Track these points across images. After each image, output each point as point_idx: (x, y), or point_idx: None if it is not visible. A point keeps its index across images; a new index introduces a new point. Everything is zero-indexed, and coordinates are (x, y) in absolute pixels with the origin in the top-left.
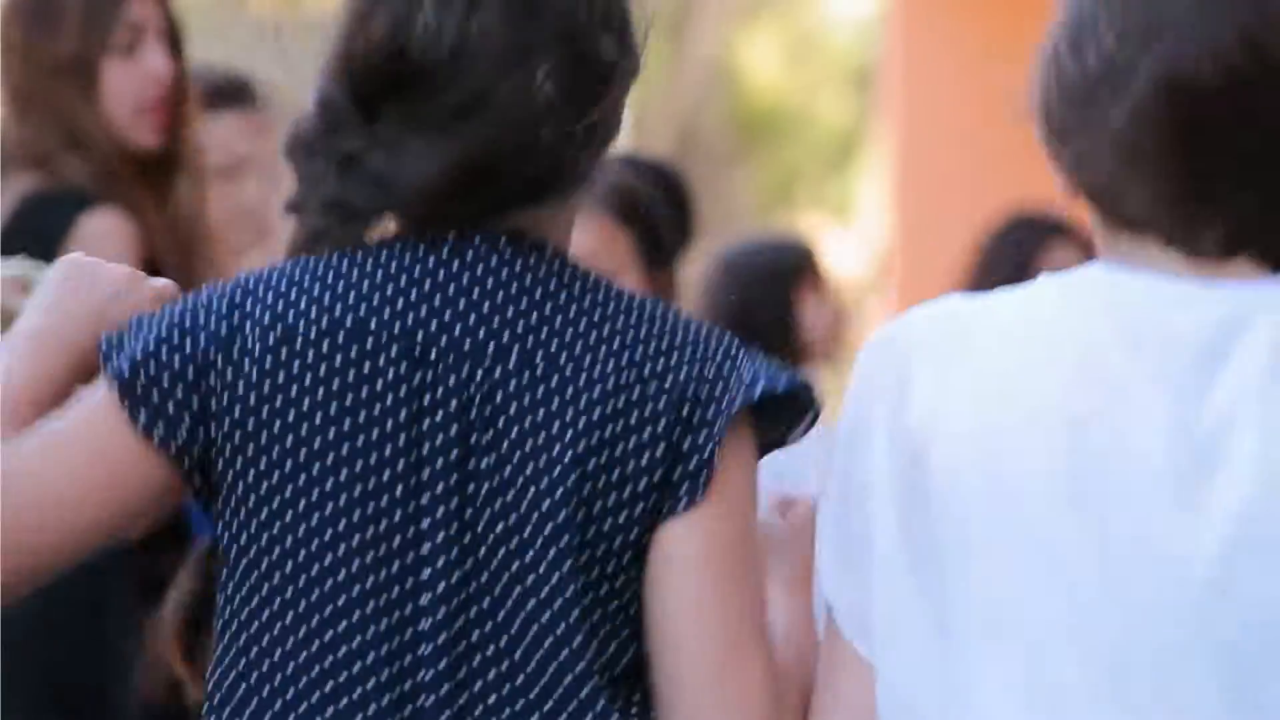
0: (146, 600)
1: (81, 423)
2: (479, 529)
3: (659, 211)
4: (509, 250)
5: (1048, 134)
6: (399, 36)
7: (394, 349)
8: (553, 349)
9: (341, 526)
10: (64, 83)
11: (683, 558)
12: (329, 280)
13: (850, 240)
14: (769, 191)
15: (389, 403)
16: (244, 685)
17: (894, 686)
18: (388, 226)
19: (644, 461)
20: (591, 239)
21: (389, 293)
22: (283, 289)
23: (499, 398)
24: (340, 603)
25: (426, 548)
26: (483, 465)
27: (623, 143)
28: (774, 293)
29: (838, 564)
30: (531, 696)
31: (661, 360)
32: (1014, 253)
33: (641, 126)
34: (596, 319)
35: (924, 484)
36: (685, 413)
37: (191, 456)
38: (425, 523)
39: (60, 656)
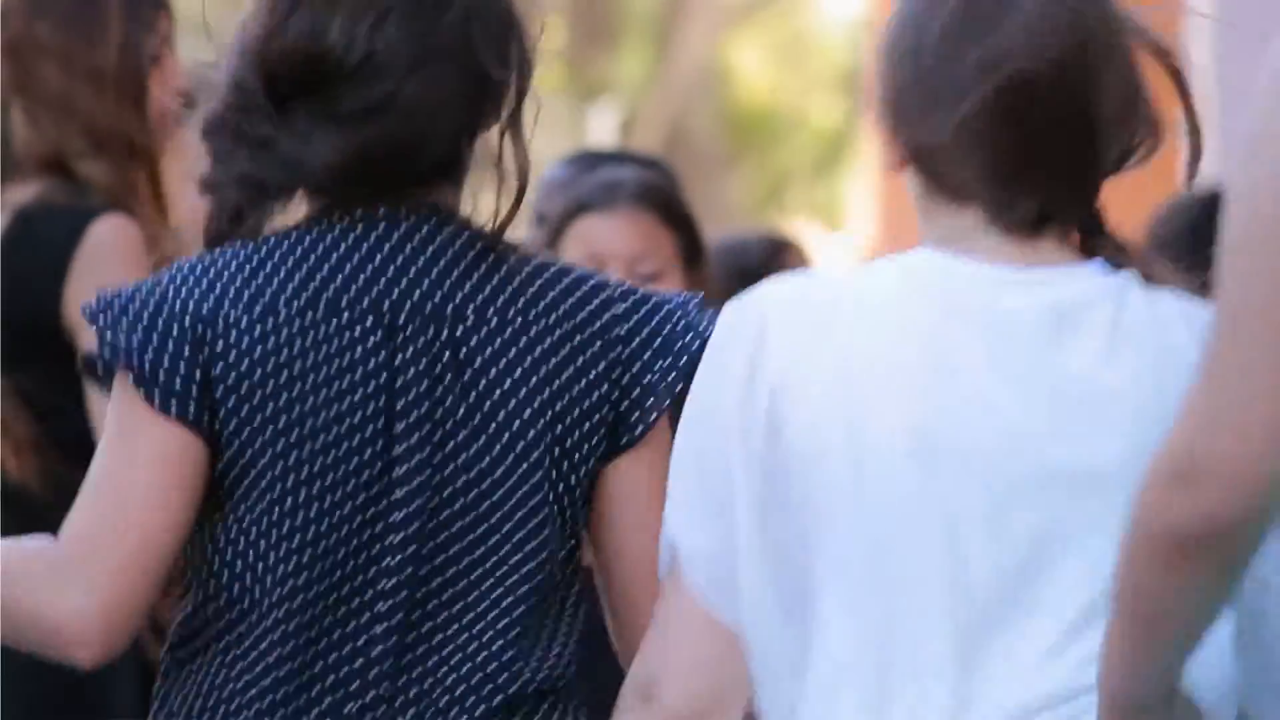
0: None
1: (115, 438)
2: (450, 474)
3: (691, 211)
4: (445, 227)
5: (885, 113)
6: (315, 44)
7: (369, 319)
8: (500, 305)
9: (327, 481)
10: (104, 91)
11: (629, 486)
12: (298, 257)
13: (838, 243)
14: (758, 194)
15: (369, 367)
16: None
17: (753, 642)
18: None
19: (595, 402)
20: (640, 240)
21: (356, 267)
22: (256, 266)
23: (463, 354)
24: (319, 549)
25: (400, 492)
26: (455, 416)
27: (610, 142)
28: (750, 285)
29: (695, 522)
30: (491, 611)
31: (591, 312)
32: None
33: (631, 128)
34: (527, 278)
35: (783, 443)
36: (624, 358)
37: (203, 425)
38: (400, 470)
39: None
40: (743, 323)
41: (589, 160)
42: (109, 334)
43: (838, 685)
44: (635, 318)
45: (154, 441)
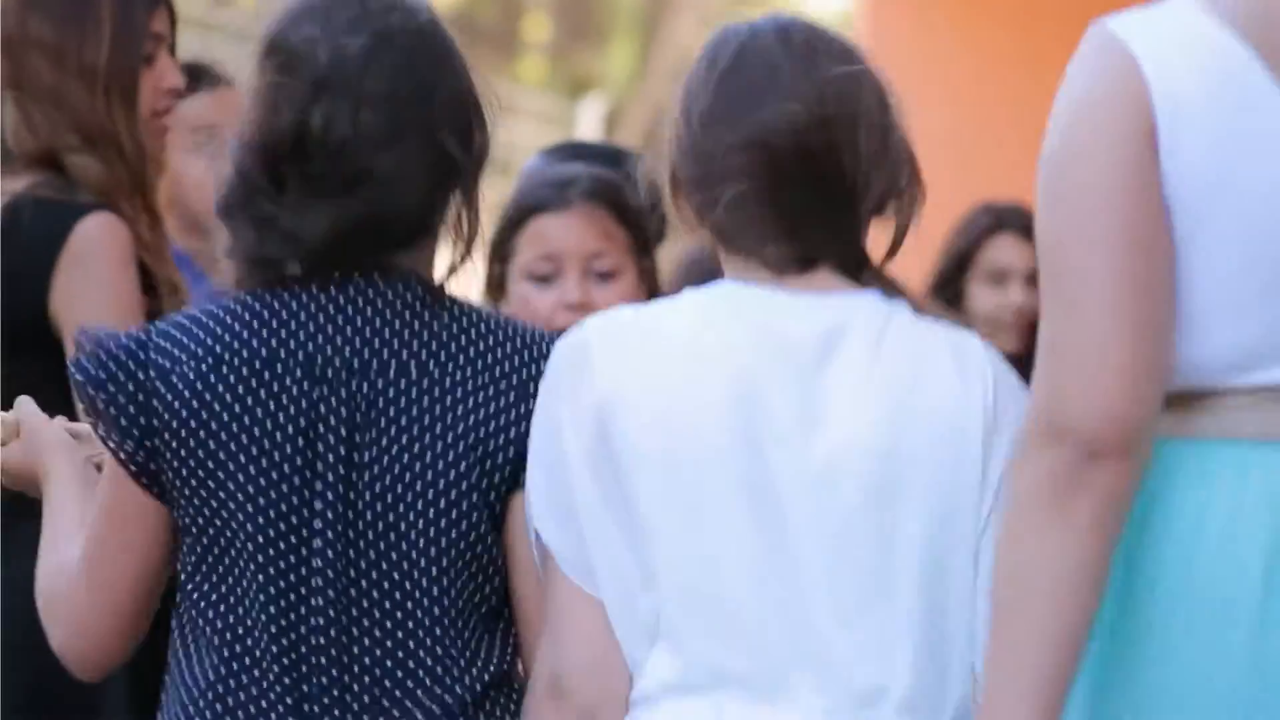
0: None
1: (104, 487)
2: (363, 512)
3: (643, 206)
4: (383, 284)
5: (674, 188)
6: (300, 127)
7: (297, 371)
8: (422, 359)
9: (248, 511)
10: (94, 88)
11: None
12: (247, 318)
13: None
14: None
15: (291, 412)
16: (191, 624)
17: (614, 619)
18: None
19: (502, 443)
20: (595, 238)
21: (292, 326)
22: (211, 326)
23: (380, 403)
24: (245, 582)
25: (318, 524)
26: (367, 459)
27: (594, 135)
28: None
29: (552, 517)
30: (414, 634)
31: (508, 362)
32: (960, 243)
33: (616, 122)
34: (454, 332)
35: (613, 456)
36: (531, 406)
37: (137, 463)
38: (317, 505)
39: (50, 660)
40: (571, 349)
41: (567, 153)
42: (95, 391)
43: (667, 645)
44: (540, 359)
45: (122, 494)
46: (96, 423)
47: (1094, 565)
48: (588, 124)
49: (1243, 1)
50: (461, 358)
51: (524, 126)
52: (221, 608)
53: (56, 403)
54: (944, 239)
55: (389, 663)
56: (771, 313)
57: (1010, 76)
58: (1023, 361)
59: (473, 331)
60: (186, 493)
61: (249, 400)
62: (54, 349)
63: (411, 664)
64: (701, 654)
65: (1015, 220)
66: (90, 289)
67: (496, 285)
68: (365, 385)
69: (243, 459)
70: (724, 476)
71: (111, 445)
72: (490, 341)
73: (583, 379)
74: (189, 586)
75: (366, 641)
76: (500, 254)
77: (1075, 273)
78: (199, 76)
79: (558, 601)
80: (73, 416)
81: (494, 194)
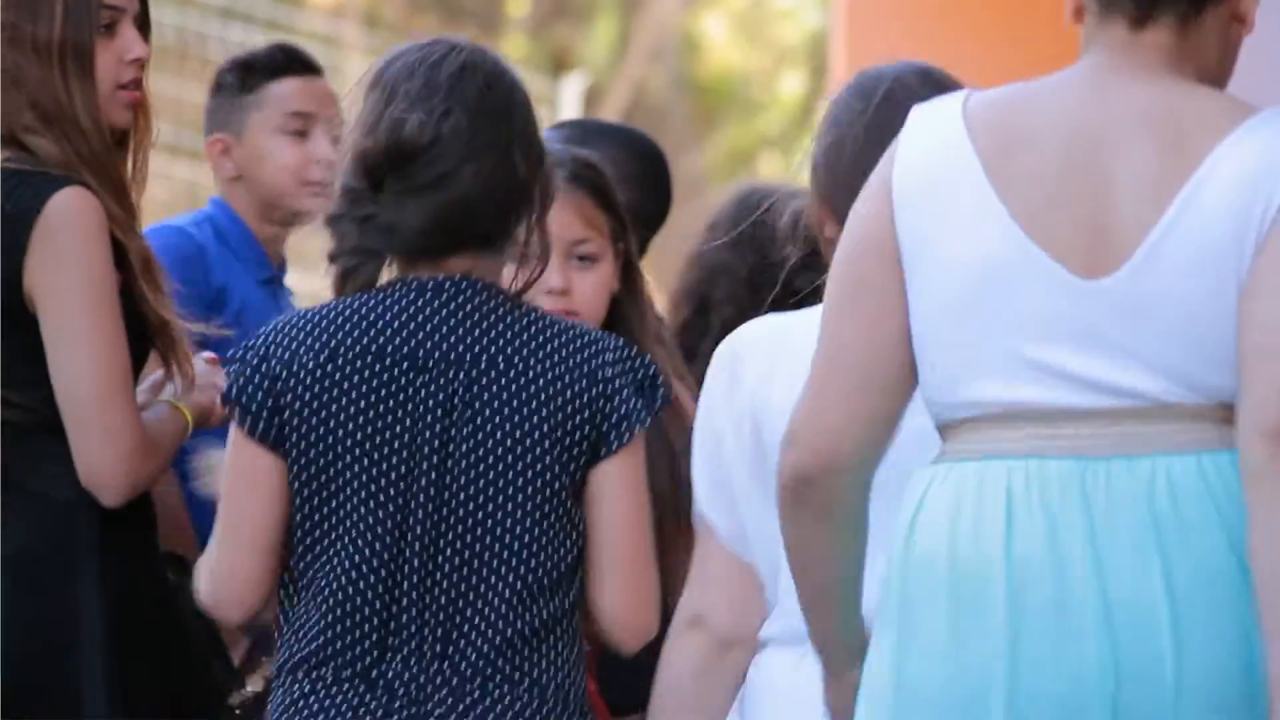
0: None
1: (229, 458)
2: (457, 482)
3: (623, 189)
4: (468, 288)
5: (817, 188)
6: (397, 133)
7: (404, 363)
8: (507, 353)
9: (357, 485)
10: (48, 64)
11: (609, 484)
12: (355, 317)
13: None
14: (724, 164)
15: (400, 398)
16: (302, 575)
17: (766, 579)
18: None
19: (577, 424)
20: (580, 224)
21: (395, 324)
22: (325, 324)
23: (474, 390)
24: (350, 537)
25: (420, 497)
26: (461, 435)
27: (575, 113)
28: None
29: (713, 500)
30: (499, 592)
31: (577, 355)
32: None
33: (594, 98)
34: (531, 330)
35: (763, 451)
36: (607, 394)
37: (268, 440)
38: (421, 481)
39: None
40: (722, 356)
41: (575, 130)
42: (231, 380)
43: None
44: (617, 363)
45: (250, 465)
46: (229, 409)
47: (833, 550)
48: (569, 101)
49: (983, 110)
50: (541, 352)
51: None
52: (332, 561)
53: (32, 376)
54: None
55: (462, 605)
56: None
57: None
58: None
59: (546, 330)
60: (308, 465)
61: (362, 388)
62: (29, 323)
63: (480, 605)
64: (793, 615)
65: None
66: (65, 263)
67: None
68: (460, 374)
69: (357, 437)
70: None
71: (247, 428)
72: (562, 339)
73: (735, 384)
74: (302, 546)
75: (448, 584)
76: None
77: (837, 316)
78: (291, 60)
79: (711, 560)
80: (48, 389)
81: None
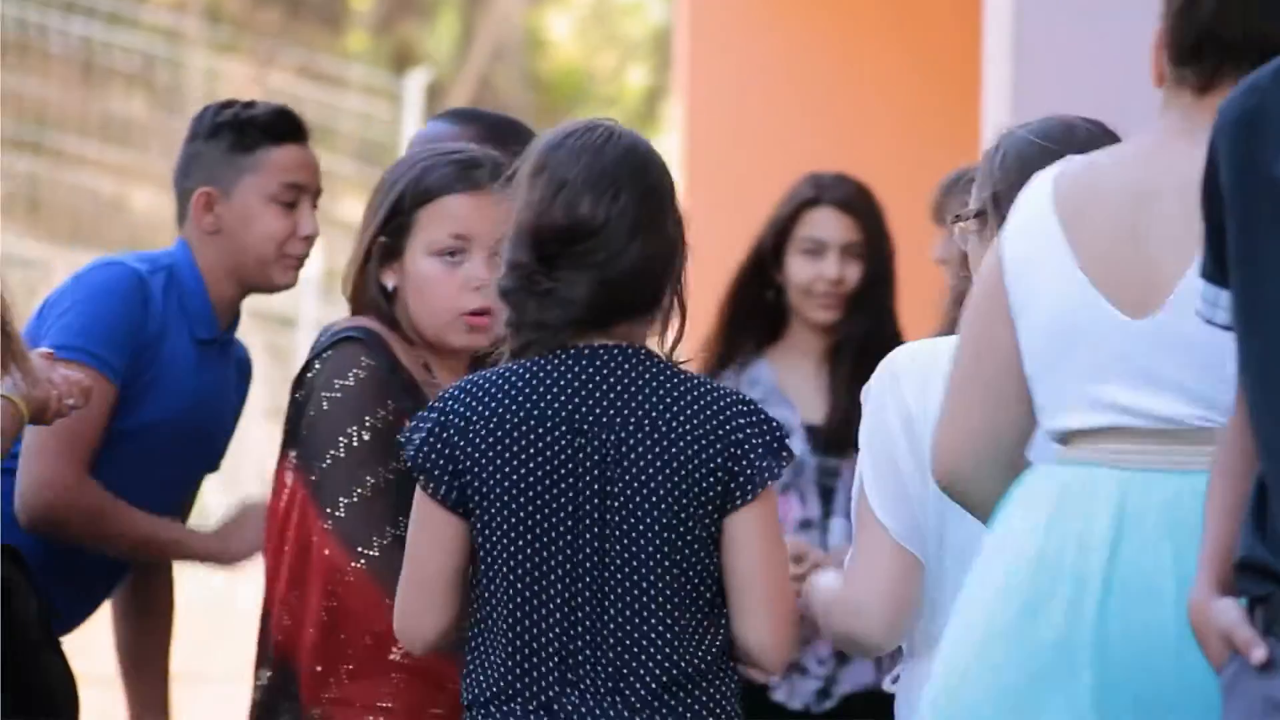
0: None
1: (415, 512)
2: (615, 536)
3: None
4: (623, 356)
5: (994, 208)
6: (571, 214)
7: (564, 426)
8: (652, 416)
9: (529, 536)
10: None
11: (742, 531)
12: (519, 384)
13: None
14: None
15: (562, 458)
16: (486, 616)
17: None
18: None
19: (713, 480)
20: (503, 222)
21: (555, 390)
22: (495, 393)
23: (623, 449)
24: (529, 587)
25: (582, 543)
26: (615, 491)
27: (419, 108)
28: None
29: (885, 500)
30: (648, 620)
31: (715, 419)
32: (780, 214)
33: (438, 94)
34: (675, 395)
35: (921, 460)
36: (737, 453)
37: (450, 500)
38: (581, 532)
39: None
40: (882, 375)
41: (465, 117)
42: (414, 452)
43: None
44: (749, 426)
45: (430, 519)
46: (416, 476)
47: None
48: (413, 98)
49: (1068, 175)
50: (682, 415)
51: (350, 99)
52: (511, 606)
53: None
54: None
55: (629, 644)
56: None
57: (824, 67)
58: (836, 330)
59: (690, 393)
60: (489, 522)
61: (530, 450)
62: None
63: (645, 643)
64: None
65: (835, 193)
66: None
67: (385, 255)
68: (612, 436)
69: (530, 494)
70: None
71: (431, 493)
72: (702, 401)
73: (895, 396)
74: (486, 593)
75: (614, 625)
76: (396, 226)
77: (956, 347)
78: (293, 128)
79: (876, 555)
80: None
81: (323, 160)
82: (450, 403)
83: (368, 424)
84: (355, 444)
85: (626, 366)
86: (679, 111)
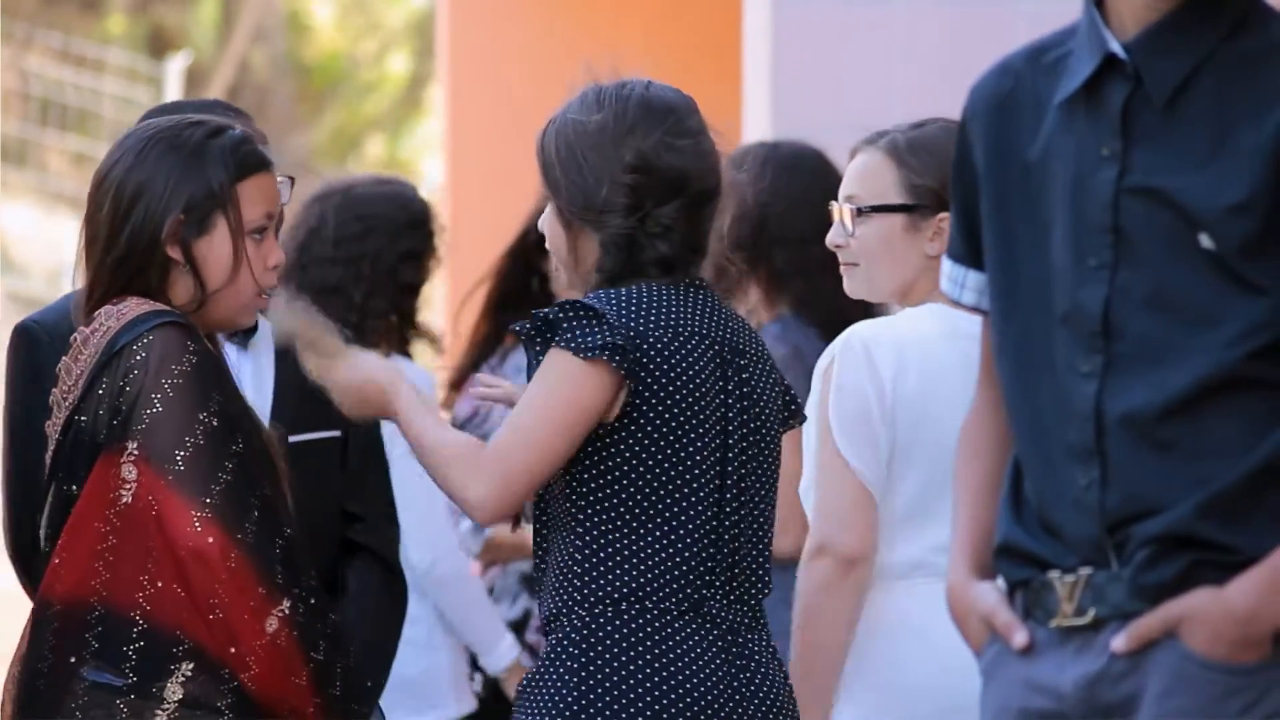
0: None
1: (540, 387)
2: (753, 438)
3: None
4: (709, 292)
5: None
6: (682, 164)
7: (716, 346)
8: (748, 346)
9: (693, 437)
10: None
11: (786, 447)
12: (684, 306)
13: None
14: (331, 145)
15: (716, 373)
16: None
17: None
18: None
19: (781, 404)
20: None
21: (702, 315)
22: (664, 309)
23: (744, 373)
24: (681, 491)
25: (733, 440)
26: (742, 407)
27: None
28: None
29: (856, 448)
30: (760, 533)
31: (768, 351)
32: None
33: (197, 77)
34: (748, 328)
35: (892, 410)
36: (784, 385)
37: (627, 373)
38: (732, 429)
39: None
40: (851, 346)
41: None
42: (565, 327)
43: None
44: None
45: (576, 385)
46: (589, 353)
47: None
48: (172, 81)
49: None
50: (759, 345)
51: (109, 82)
52: (668, 506)
53: None
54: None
55: (756, 554)
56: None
57: (587, 52)
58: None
59: (749, 327)
60: (655, 419)
61: (697, 364)
62: None
63: (764, 558)
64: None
65: None
66: None
67: (196, 227)
68: (744, 360)
69: (690, 402)
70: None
71: (606, 357)
72: (755, 334)
73: (870, 363)
74: (630, 487)
75: (750, 535)
76: (220, 204)
77: None
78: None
79: (842, 493)
80: None
81: (75, 145)
82: (620, 309)
83: (212, 408)
84: (209, 429)
85: (717, 299)
86: (442, 97)
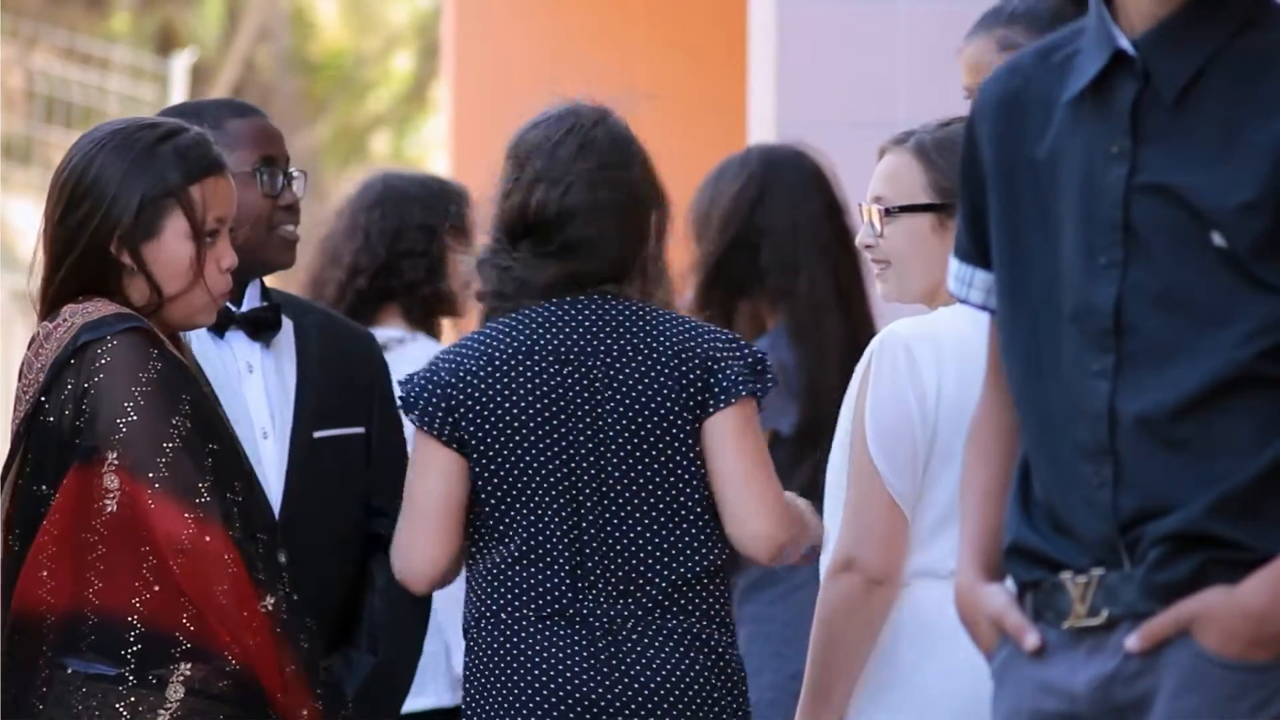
0: None
1: (414, 455)
2: (611, 449)
3: None
4: (600, 301)
5: None
6: (525, 206)
7: (550, 358)
8: (634, 342)
9: (530, 456)
10: None
11: (721, 433)
12: (509, 329)
13: None
14: (336, 143)
15: (552, 384)
16: (484, 539)
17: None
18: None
19: (684, 396)
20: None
21: (543, 330)
22: (483, 339)
23: (611, 372)
24: (527, 504)
25: (578, 460)
26: (606, 407)
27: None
28: (424, 230)
29: (889, 457)
30: (638, 528)
31: (692, 342)
32: None
33: (203, 76)
34: (648, 327)
35: (941, 407)
36: (703, 373)
37: (445, 434)
38: (575, 448)
39: None
40: (891, 346)
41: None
42: (407, 393)
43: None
44: (727, 346)
45: (427, 456)
46: (411, 416)
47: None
48: (178, 79)
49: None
50: (663, 338)
51: (114, 80)
52: (522, 521)
53: None
54: None
55: (635, 550)
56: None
57: (590, 52)
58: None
59: (668, 323)
60: (483, 448)
61: (519, 380)
62: None
63: (650, 549)
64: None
65: None
66: None
67: (146, 229)
68: (598, 361)
69: (523, 419)
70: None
71: (425, 428)
72: (681, 328)
73: (910, 363)
74: (490, 517)
75: (620, 534)
76: (170, 207)
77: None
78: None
79: (872, 508)
80: None
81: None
82: (442, 354)
83: (184, 410)
84: (184, 432)
85: (607, 307)
86: (446, 96)
